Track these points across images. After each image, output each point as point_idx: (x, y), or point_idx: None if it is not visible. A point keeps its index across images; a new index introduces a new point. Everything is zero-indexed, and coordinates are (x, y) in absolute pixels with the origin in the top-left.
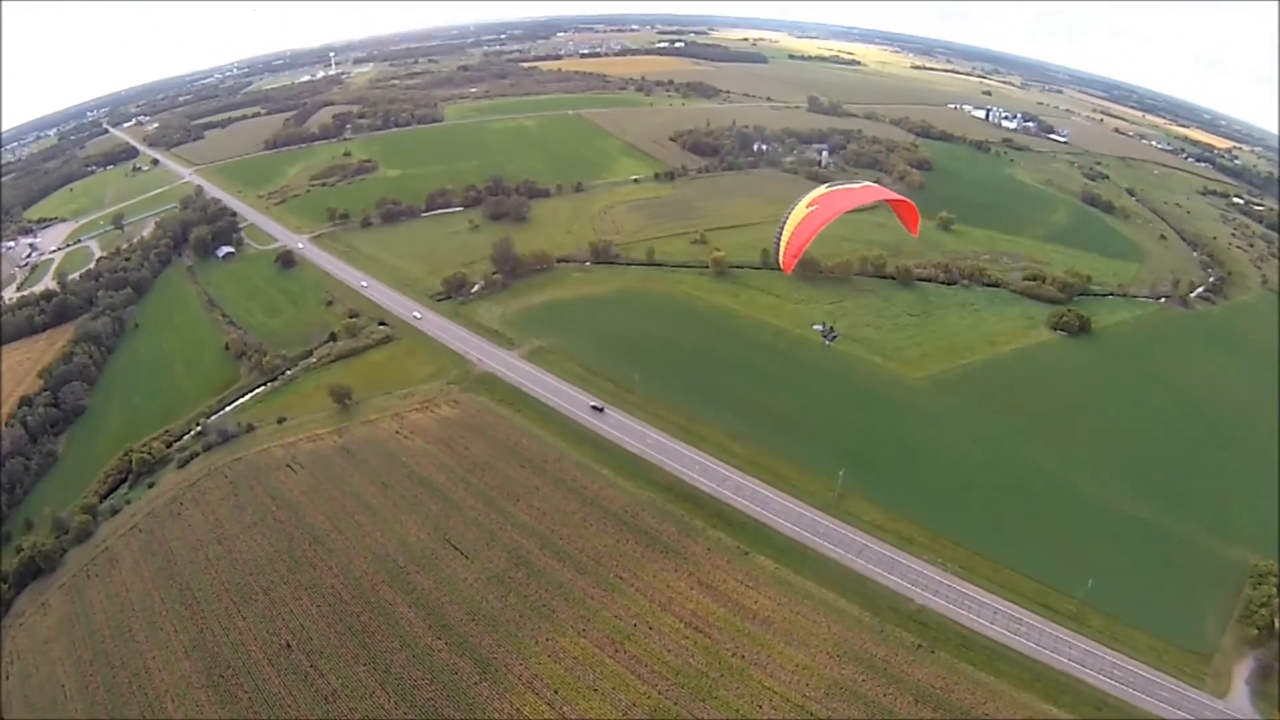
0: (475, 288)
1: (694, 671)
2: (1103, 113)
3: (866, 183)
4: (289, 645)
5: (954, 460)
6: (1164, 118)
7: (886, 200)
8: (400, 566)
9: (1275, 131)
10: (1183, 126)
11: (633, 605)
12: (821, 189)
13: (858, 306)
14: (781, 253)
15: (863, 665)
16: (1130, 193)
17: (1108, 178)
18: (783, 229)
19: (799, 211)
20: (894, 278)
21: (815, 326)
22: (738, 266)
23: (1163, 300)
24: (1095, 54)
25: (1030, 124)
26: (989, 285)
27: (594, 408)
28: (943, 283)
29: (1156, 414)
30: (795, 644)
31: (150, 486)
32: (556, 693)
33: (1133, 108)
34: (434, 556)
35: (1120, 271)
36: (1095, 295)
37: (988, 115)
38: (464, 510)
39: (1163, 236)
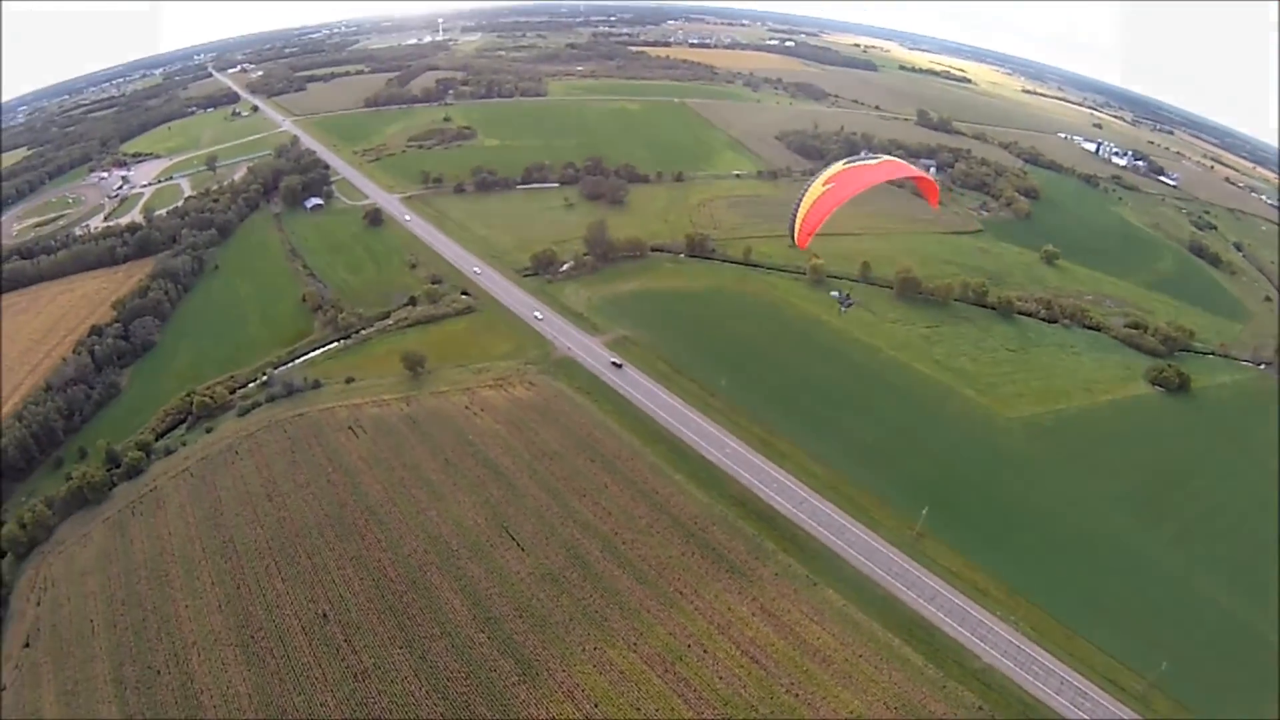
0: (565, 267)
1: (744, 703)
2: (1214, 159)
3: (885, 158)
4: (325, 615)
5: (1040, 514)
6: (1276, 172)
7: (907, 177)
8: (452, 550)
9: None
10: None
11: (689, 624)
12: (839, 165)
13: (955, 334)
14: (796, 230)
15: None
16: (1238, 247)
17: (1216, 228)
18: (798, 206)
19: (815, 189)
20: (994, 308)
21: (832, 294)
22: (835, 276)
23: (1263, 366)
24: (1213, 101)
25: (1140, 163)
26: (1089, 328)
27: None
28: (1043, 319)
29: (1250, 492)
30: (853, 688)
31: (208, 431)
32: (597, 706)
33: (1244, 158)
34: (489, 544)
35: (1223, 330)
36: (1196, 352)
37: (1098, 149)
38: (526, 499)
39: (1268, 298)
